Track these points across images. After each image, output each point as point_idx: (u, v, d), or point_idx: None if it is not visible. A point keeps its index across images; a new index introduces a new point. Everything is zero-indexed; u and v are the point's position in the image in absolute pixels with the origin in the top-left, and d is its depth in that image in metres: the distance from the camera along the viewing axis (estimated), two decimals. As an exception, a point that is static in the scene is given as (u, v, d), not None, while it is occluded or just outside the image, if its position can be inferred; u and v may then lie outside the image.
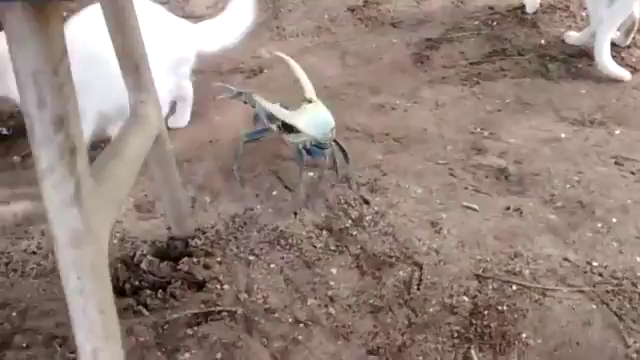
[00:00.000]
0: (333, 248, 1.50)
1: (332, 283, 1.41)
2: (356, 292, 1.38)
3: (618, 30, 2.14)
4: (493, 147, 1.81)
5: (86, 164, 0.78)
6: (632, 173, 1.67)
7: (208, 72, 2.26)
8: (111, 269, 1.45)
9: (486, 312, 1.30)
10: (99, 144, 1.78)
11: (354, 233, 1.53)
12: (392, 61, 2.29)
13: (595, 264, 1.40)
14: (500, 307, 1.31)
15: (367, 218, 1.57)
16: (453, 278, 1.39)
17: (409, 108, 2.03)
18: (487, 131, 1.88)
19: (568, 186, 1.64)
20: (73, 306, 0.80)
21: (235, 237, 1.56)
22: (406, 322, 1.30)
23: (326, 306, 1.35)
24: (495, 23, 2.45)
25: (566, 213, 1.55)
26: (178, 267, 1.45)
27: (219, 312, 1.35)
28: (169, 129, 1.93)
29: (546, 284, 1.36)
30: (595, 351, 1.22)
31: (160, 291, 1.40)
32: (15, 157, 1.91)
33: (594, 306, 1.31)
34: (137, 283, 1.43)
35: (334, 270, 1.44)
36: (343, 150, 1.73)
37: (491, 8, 2.56)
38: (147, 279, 1.43)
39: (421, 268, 1.42)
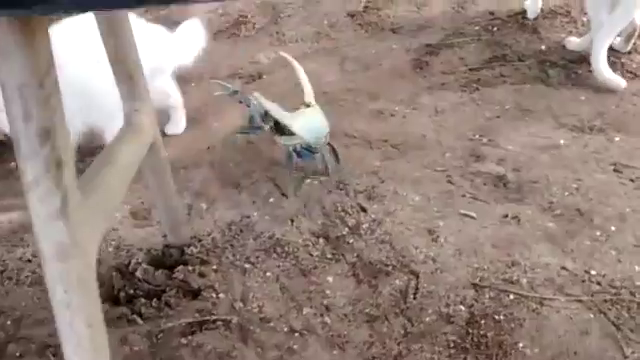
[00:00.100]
0: (329, 256, 1.49)
1: (328, 292, 1.40)
2: (352, 301, 1.37)
3: (619, 36, 2.13)
4: (492, 154, 1.80)
5: (73, 177, 0.77)
6: (631, 180, 1.66)
7: (206, 78, 2.26)
8: (106, 277, 1.46)
9: (483, 321, 1.29)
10: (96, 150, 1.77)
11: (351, 241, 1.53)
12: (391, 67, 2.28)
13: (593, 273, 1.39)
14: (497, 316, 1.30)
15: (364, 226, 1.56)
16: (450, 287, 1.38)
17: (408, 114, 2.02)
18: (486, 138, 1.87)
19: (566, 194, 1.63)
20: (60, 320, 0.79)
21: (231, 245, 1.55)
22: (402, 331, 1.30)
23: (322, 315, 1.35)
24: (495, 29, 2.44)
25: (564, 221, 1.54)
26: (173, 275, 1.44)
27: (214, 321, 1.34)
28: (165, 135, 1.94)
29: (544, 293, 1.35)
30: (592, 361, 1.21)
31: (155, 300, 1.39)
32: (12, 163, 1.91)
33: (592, 315, 1.30)
34: (132, 291, 1.42)
35: (330, 278, 1.43)
36: (334, 151, 1.74)
37: (492, 13, 2.55)
38: (142, 287, 1.43)
39: (418, 277, 1.41)
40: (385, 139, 1.91)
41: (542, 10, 2.47)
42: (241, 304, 1.38)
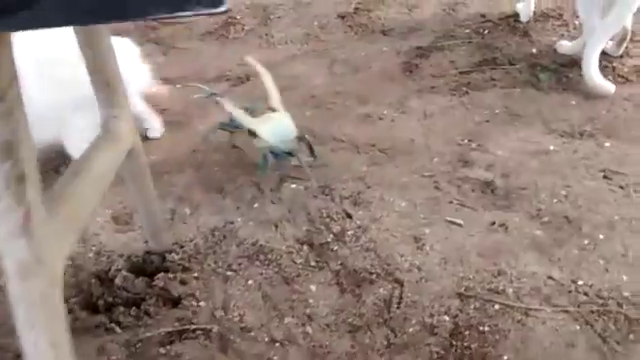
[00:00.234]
0: (313, 264, 1.47)
1: (311, 301, 1.37)
2: (335, 310, 1.35)
3: (611, 40, 2.10)
4: (480, 159, 1.77)
5: (37, 191, 0.74)
6: (621, 187, 1.63)
7: (192, 80, 2.23)
8: (85, 284, 1.43)
9: (467, 332, 1.27)
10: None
11: (335, 248, 1.50)
12: (381, 70, 2.25)
13: (580, 283, 1.37)
14: (481, 327, 1.28)
15: (349, 233, 1.54)
16: (434, 297, 1.36)
17: (396, 118, 1.99)
18: (475, 143, 1.85)
19: (555, 201, 1.60)
20: (24, 339, 0.76)
21: (214, 251, 1.52)
22: (385, 342, 1.27)
23: (303, 325, 1.32)
24: (486, 31, 2.42)
25: (552, 229, 1.52)
26: (153, 283, 1.41)
27: (194, 330, 1.32)
28: (148, 139, 1.91)
29: (529, 303, 1.33)
30: (578, 375, 1.19)
31: (134, 308, 1.36)
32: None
33: (578, 327, 1.27)
34: (111, 299, 1.39)
35: (313, 287, 1.41)
36: (310, 146, 1.75)
37: (483, 16, 2.53)
38: (121, 295, 1.40)
39: (402, 285, 1.38)
40: (373, 143, 1.88)
41: (534, 13, 2.45)
42: (222, 313, 1.36)
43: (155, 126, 1.98)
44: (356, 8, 2.65)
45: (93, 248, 1.56)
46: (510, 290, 1.36)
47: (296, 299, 1.38)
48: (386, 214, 1.59)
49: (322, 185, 1.70)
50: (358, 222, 1.56)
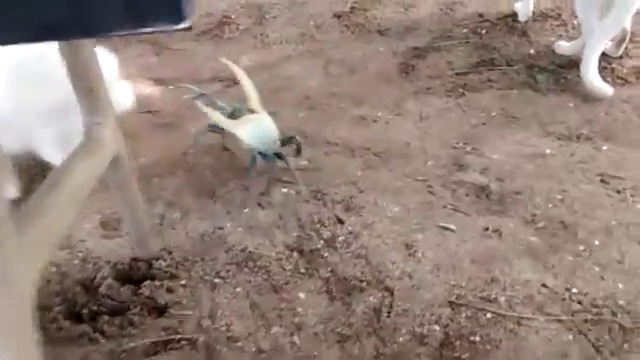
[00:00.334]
0: (303, 271, 1.44)
1: (299, 309, 1.34)
2: (324, 319, 1.32)
3: (610, 40, 2.07)
4: (475, 163, 1.74)
5: (4, 207, 0.72)
6: (618, 192, 1.60)
7: (185, 81, 2.20)
8: (70, 292, 1.41)
9: (457, 343, 1.24)
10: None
11: (325, 255, 1.47)
12: (377, 71, 2.22)
13: (574, 291, 1.34)
14: (472, 337, 1.25)
15: (340, 239, 1.51)
16: (425, 305, 1.33)
17: (392, 120, 1.96)
18: (470, 146, 1.82)
19: (550, 205, 1.57)
20: (-7, 363, 0.74)
21: (202, 258, 1.50)
22: (374, 353, 1.24)
23: (291, 334, 1.29)
24: (484, 31, 2.38)
25: (547, 235, 1.49)
26: (139, 291, 1.39)
27: (179, 340, 1.29)
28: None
29: (522, 312, 1.30)
30: (571, 387, 1.16)
31: (119, 317, 1.34)
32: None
33: (571, 337, 1.24)
34: (95, 308, 1.37)
35: (302, 295, 1.38)
36: (298, 149, 1.74)
37: (481, 15, 2.49)
38: (106, 304, 1.37)
39: (393, 294, 1.35)
40: (367, 147, 1.85)
41: (533, 12, 2.42)
42: (209, 322, 1.33)
43: None
44: (352, 7, 2.62)
45: (79, 254, 1.53)
46: (503, 298, 1.33)
47: (284, 307, 1.35)
48: (378, 220, 1.56)
49: (314, 190, 1.67)
50: (349, 228, 1.54)
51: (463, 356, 1.21)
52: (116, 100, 1.89)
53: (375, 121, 1.97)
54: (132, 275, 1.45)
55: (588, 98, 1.95)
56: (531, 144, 1.80)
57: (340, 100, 2.08)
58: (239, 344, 1.28)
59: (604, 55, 2.04)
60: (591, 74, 1.93)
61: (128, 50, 2.40)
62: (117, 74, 1.78)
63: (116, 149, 1.22)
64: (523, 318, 1.28)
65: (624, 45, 2.11)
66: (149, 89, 2.22)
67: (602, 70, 2.03)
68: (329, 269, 1.43)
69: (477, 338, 1.24)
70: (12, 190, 1.58)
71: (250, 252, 1.49)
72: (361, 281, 1.39)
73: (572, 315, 1.28)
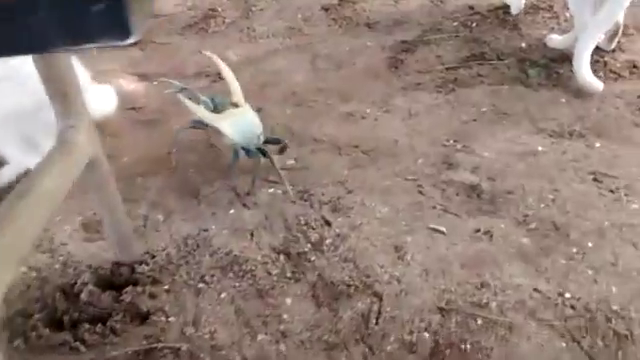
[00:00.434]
0: (289, 275, 1.40)
1: (285, 316, 1.31)
2: (310, 326, 1.29)
3: (603, 34, 2.03)
4: (466, 161, 1.70)
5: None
6: (611, 191, 1.57)
7: (171, 76, 2.14)
8: (50, 298, 1.37)
9: (447, 351, 1.21)
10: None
11: (312, 258, 1.43)
12: (365, 65, 2.18)
13: (567, 295, 1.31)
14: (463, 345, 1.22)
15: (327, 242, 1.47)
16: (414, 311, 1.29)
17: (380, 117, 1.92)
18: (460, 143, 1.78)
19: (542, 205, 1.54)
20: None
21: (186, 262, 1.46)
22: (362, 361, 1.21)
23: (277, 342, 1.26)
24: (474, 24, 2.34)
25: (539, 236, 1.46)
26: (121, 297, 1.35)
27: (162, 349, 1.25)
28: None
29: (514, 318, 1.27)
30: (563, 396, 1.13)
31: (100, 325, 1.30)
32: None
33: (564, 344, 1.21)
34: (76, 315, 1.33)
35: (289, 300, 1.34)
36: (283, 147, 1.70)
37: (471, 8, 2.45)
38: (87, 311, 1.33)
39: (381, 299, 1.32)
40: (355, 144, 1.81)
41: (524, 5, 2.38)
42: (192, 329, 1.29)
43: None
44: None
45: (60, 258, 1.49)
46: (494, 303, 1.30)
47: (270, 314, 1.31)
48: (366, 221, 1.52)
49: (301, 190, 1.63)
50: (337, 230, 1.50)
51: (453, 364, 1.18)
52: (99, 103, 1.86)
53: (363, 118, 1.92)
54: (114, 280, 1.41)
55: (580, 93, 1.92)
56: (522, 141, 1.77)
57: (327, 96, 2.03)
58: (223, 353, 1.24)
59: (597, 49, 2.01)
60: (584, 69, 1.89)
61: (111, 44, 2.33)
62: (90, 78, 1.73)
63: (92, 152, 1.17)
64: (515, 324, 1.25)
65: (617, 39, 2.07)
66: (133, 85, 2.16)
67: (594, 64, 1.99)
68: (316, 273, 1.40)
69: (468, 346, 1.21)
70: None
71: (235, 255, 1.45)
72: (349, 286, 1.36)
73: (565, 321, 1.25)
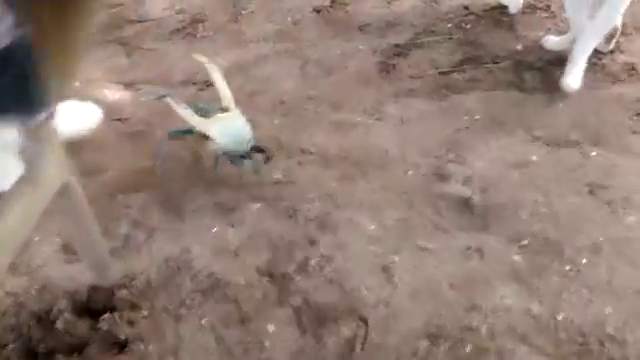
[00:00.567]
0: (273, 299, 1.35)
1: (267, 343, 1.26)
2: (293, 354, 1.24)
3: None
4: (457, 172, 1.65)
5: None
6: (607, 204, 1.51)
7: (157, 84, 2.10)
8: (25, 327, 1.33)
9: (435, 380, 1.16)
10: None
11: (297, 280, 1.39)
12: (357, 71, 2.12)
13: (560, 318, 1.26)
14: (451, 374, 1.17)
15: (312, 262, 1.42)
16: (402, 337, 1.25)
17: (371, 126, 1.87)
18: (452, 153, 1.72)
19: (536, 219, 1.49)
20: None
21: (166, 285, 1.41)
22: (346, 391, 1.16)
23: (258, 372, 1.21)
24: (469, 26, 2.28)
25: (532, 253, 1.40)
26: (98, 325, 1.30)
27: (139, 380, 1.21)
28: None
29: (505, 343, 1.22)
30: None
31: (76, 354, 1.26)
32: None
33: (556, 372, 1.16)
34: (52, 344, 1.28)
35: (271, 327, 1.30)
36: (266, 153, 1.67)
37: (466, 8, 2.38)
38: (63, 340, 1.29)
39: (367, 324, 1.27)
40: (344, 155, 1.76)
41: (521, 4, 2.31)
42: (171, 358, 1.25)
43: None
44: (332, 1, 2.50)
45: (37, 282, 1.45)
46: (484, 327, 1.25)
47: (252, 341, 1.27)
48: (354, 239, 1.47)
49: (287, 205, 1.58)
50: (322, 250, 1.45)
51: (440, 396, 1.13)
52: (81, 121, 1.81)
53: (353, 126, 1.87)
54: (91, 306, 1.37)
55: (577, 98, 1.86)
56: (516, 150, 1.71)
57: (317, 104, 1.98)
58: (203, 383, 1.20)
59: (594, 50, 1.94)
60: (574, 75, 1.83)
61: (97, 52, 2.29)
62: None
63: (62, 179, 1.13)
64: (505, 350, 1.20)
65: (614, 40, 2.01)
66: (118, 94, 2.12)
67: (592, 67, 1.93)
68: (301, 297, 1.35)
69: (456, 375, 1.16)
70: None
71: (217, 278, 1.41)
72: (334, 309, 1.31)
73: (558, 347, 1.20)
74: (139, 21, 2.49)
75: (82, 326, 1.30)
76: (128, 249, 1.52)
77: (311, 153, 1.77)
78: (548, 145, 1.72)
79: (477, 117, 1.85)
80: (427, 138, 1.79)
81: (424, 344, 1.23)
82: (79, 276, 1.44)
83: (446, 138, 1.79)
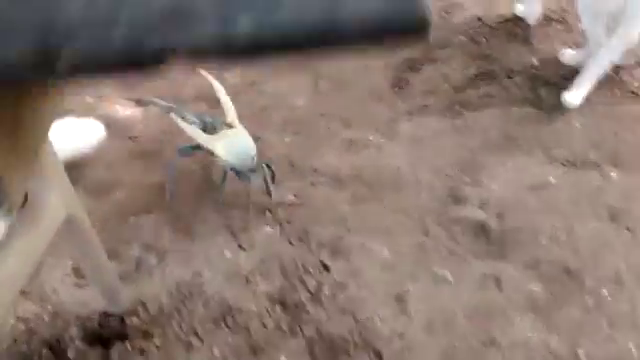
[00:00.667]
0: (285, 329, 1.33)
1: (279, 376, 1.24)
2: (306, 388, 1.22)
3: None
4: (473, 195, 1.62)
5: None
6: (628, 229, 1.48)
7: (167, 100, 2.07)
8: (36, 354, 1.31)
9: (451, 419, 1.13)
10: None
11: (310, 309, 1.36)
12: (369, 86, 2.08)
13: (581, 352, 1.23)
14: (468, 413, 1.14)
15: (325, 290, 1.40)
16: (416, 372, 1.22)
17: (383, 145, 1.84)
18: (467, 174, 1.69)
19: (554, 246, 1.46)
20: None
21: (178, 312, 1.39)
22: None
23: (270, 406, 1.19)
24: (483, 39, 2.24)
25: (550, 282, 1.37)
26: (110, 356, 1.28)
27: (149, 415, 1.19)
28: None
29: (523, 380, 1.19)
30: None
31: (86, 387, 1.24)
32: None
33: (577, 412, 1.13)
34: (62, 375, 1.27)
35: (283, 358, 1.28)
36: (271, 170, 1.65)
37: (480, 19, 2.35)
38: (73, 371, 1.27)
39: (381, 358, 1.25)
40: (356, 174, 1.73)
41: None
42: (182, 391, 1.23)
43: None
44: (345, 13, 2.46)
45: (49, 308, 1.43)
46: (501, 362, 1.22)
47: (264, 374, 1.25)
48: (367, 266, 1.45)
49: (299, 229, 1.56)
50: (336, 276, 1.42)
51: None
52: (85, 138, 1.80)
53: (366, 146, 1.84)
54: (102, 333, 1.35)
55: (596, 116, 1.82)
56: (533, 172, 1.68)
57: (329, 121, 1.95)
58: (214, 418, 1.18)
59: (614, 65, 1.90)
60: (577, 93, 1.80)
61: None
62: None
63: (67, 211, 1.11)
64: (523, 387, 1.17)
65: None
66: (129, 111, 2.10)
67: (610, 82, 1.89)
68: (314, 327, 1.32)
69: (473, 414, 1.14)
70: None
71: (229, 306, 1.38)
72: (347, 341, 1.29)
73: (577, 384, 1.17)
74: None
75: (93, 356, 1.28)
76: (140, 272, 1.50)
77: (323, 173, 1.75)
78: (565, 166, 1.69)
79: (492, 136, 1.81)
80: (441, 158, 1.76)
81: (440, 380, 1.20)
82: (91, 301, 1.43)
83: (461, 158, 1.75)
